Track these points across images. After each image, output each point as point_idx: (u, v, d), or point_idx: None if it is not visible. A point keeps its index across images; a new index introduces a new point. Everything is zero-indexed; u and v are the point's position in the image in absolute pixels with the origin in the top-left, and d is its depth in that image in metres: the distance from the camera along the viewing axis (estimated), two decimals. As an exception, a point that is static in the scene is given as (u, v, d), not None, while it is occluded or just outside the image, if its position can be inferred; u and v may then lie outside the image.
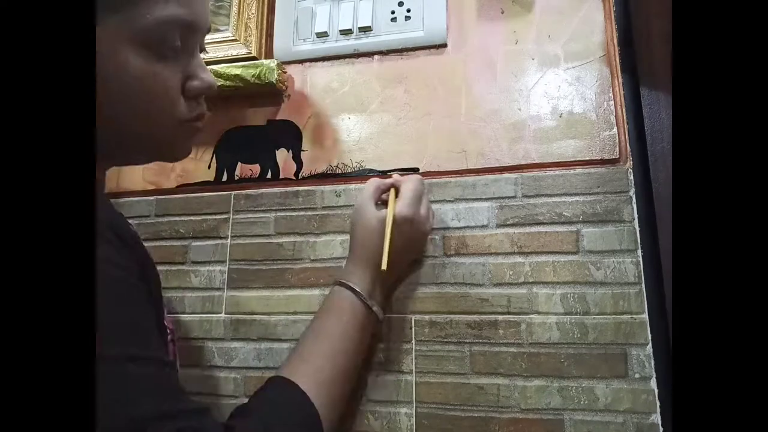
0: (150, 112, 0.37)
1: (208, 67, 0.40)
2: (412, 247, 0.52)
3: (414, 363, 0.52)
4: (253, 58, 0.63)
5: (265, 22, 0.66)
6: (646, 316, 0.48)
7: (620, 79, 0.55)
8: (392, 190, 0.52)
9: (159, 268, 0.61)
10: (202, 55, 0.41)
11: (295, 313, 0.57)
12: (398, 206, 0.49)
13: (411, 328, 0.53)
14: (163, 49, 0.36)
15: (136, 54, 0.35)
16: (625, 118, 0.54)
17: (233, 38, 0.64)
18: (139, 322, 0.32)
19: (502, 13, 0.60)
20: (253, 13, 0.65)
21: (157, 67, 0.36)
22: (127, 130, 0.37)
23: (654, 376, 0.47)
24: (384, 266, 0.45)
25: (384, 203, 0.52)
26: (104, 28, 0.33)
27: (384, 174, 0.58)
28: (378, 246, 0.47)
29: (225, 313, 0.59)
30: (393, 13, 0.62)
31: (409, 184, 0.51)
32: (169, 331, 0.43)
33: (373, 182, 0.52)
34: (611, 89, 0.55)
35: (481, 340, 0.51)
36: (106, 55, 0.33)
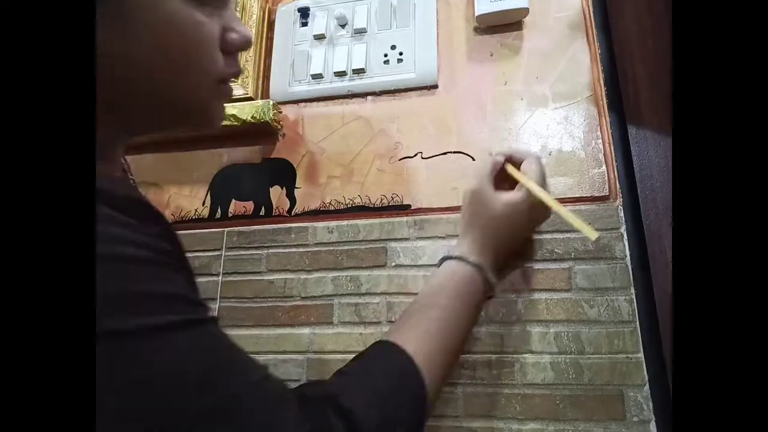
0: (187, 66, 0.34)
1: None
2: (530, 231, 0.51)
3: (405, 405, 0.51)
4: (250, 99, 0.65)
5: (262, 64, 0.69)
6: (641, 355, 0.47)
7: (608, 118, 0.56)
8: (511, 167, 0.48)
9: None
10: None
11: (284, 352, 0.56)
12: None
13: (403, 368, 0.52)
14: None
15: (183, 1, 0.33)
16: (613, 155, 0.54)
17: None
18: (180, 292, 0.30)
19: (491, 55, 0.62)
20: (250, 56, 0.67)
21: (200, 15, 0.34)
22: (161, 89, 0.34)
23: (653, 419, 0.46)
24: (593, 234, 0.40)
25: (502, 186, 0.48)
26: None
27: (373, 211, 0.59)
28: (505, 233, 0.46)
29: (214, 352, 0.57)
30: (386, 56, 0.64)
31: (534, 165, 0.47)
32: None
33: (489, 163, 0.49)
34: (599, 128, 0.56)
35: (474, 381, 0.50)
36: (154, 2, 0.31)
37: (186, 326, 0.28)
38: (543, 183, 0.47)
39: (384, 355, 0.39)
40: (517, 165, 0.48)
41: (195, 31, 0.34)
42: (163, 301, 0.28)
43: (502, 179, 0.49)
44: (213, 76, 0.36)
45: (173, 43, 0.33)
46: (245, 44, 0.38)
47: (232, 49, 0.37)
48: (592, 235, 0.40)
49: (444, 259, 0.47)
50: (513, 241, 0.49)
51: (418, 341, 0.40)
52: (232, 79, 0.39)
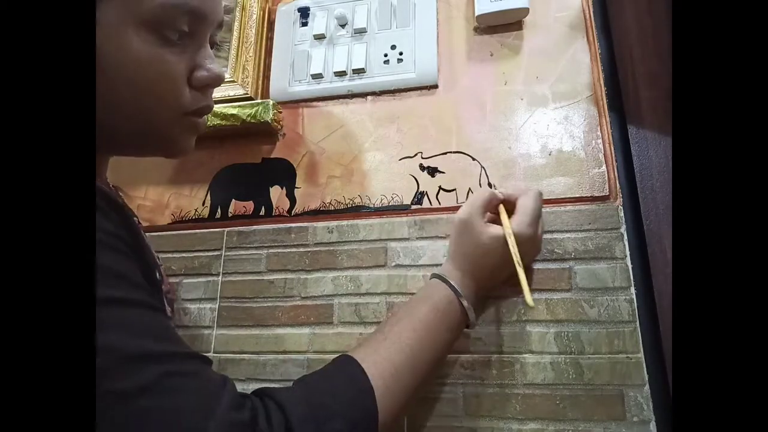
0: (152, 100, 0.35)
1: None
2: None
3: (405, 405, 0.51)
4: (250, 99, 0.65)
5: (262, 64, 0.69)
6: (641, 355, 0.47)
7: (608, 118, 0.56)
8: (502, 208, 0.48)
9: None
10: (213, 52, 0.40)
11: (284, 352, 0.55)
12: (518, 223, 0.46)
13: (403, 368, 0.52)
14: (168, 34, 0.34)
15: (140, 37, 0.33)
16: (613, 155, 0.54)
17: (231, 79, 0.66)
18: (126, 274, 0.31)
19: (491, 55, 0.62)
20: (251, 56, 0.67)
21: (162, 52, 0.34)
22: (127, 119, 0.36)
23: (653, 419, 0.46)
24: (531, 302, 0.42)
25: (493, 220, 0.49)
26: (107, 8, 0.32)
27: (373, 211, 0.59)
28: (488, 265, 0.46)
29: (214, 352, 0.57)
30: (386, 56, 0.64)
31: (529, 201, 0.47)
32: (166, 287, 0.43)
33: (484, 194, 0.48)
34: (599, 128, 0.56)
35: (474, 381, 0.50)
36: (107, 36, 0.32)
37: (124, 304, 0.29)
38: (535, 220, 0.47)
39: (336, 366, 0.39)
40: (514, 203, 0.48)
41: (159, 69, 0.35)
42: (108, 277, 0.29)
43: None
44: (178, 109, 0.37)
45: (132, 76, 0.34)
46: (213, 81, 0.39)
47: (198, 86, 0.38)
48: (530, 302, 0.42)
49: (432, 275, 0.48)
50: (496, 273, 0.48)
51: (383, 353, 0.40)
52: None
